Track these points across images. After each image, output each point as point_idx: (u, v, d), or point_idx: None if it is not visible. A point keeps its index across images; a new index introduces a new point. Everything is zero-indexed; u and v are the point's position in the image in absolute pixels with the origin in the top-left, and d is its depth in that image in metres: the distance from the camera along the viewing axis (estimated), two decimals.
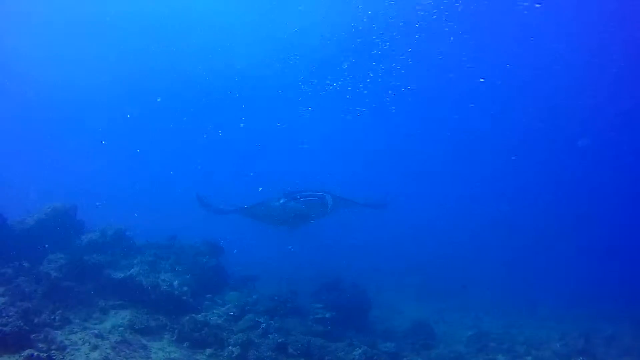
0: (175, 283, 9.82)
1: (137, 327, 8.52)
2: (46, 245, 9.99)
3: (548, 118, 31.60)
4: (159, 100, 35.76)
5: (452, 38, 23.14)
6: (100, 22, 31.03)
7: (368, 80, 23.48)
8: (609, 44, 24.17)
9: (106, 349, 7.30)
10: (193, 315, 9.06)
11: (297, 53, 29.20)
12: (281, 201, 11.63)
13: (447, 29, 22.25)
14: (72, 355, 6.79)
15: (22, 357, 5.95)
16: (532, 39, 25.41)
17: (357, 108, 28.15)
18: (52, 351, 6.57)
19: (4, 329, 6.37)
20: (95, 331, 7.90)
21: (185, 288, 9.83)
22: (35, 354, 6.03)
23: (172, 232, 12.38)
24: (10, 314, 6.94)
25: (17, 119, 36.00)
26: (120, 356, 7.24)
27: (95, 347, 7.22)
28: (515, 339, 12.71)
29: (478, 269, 20.59)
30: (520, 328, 13.79)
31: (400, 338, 11.83)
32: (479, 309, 15.49)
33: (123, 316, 8.87)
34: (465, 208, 32.05)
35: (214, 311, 9.85)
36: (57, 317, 7.88)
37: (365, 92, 24.11)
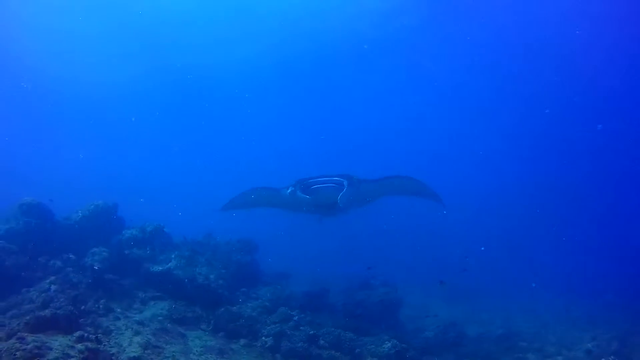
0: (212, 276, 10.20)
1: (175, 317, 8.93)
2: (90, 240, 10.52)
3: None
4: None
5: None
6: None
7: None
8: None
9: (147, 334, 7.71)
10: (228, 307, 9.39)
11: None
12: (289, 190, 10.35)
13: None
14: (117, 338, 7.23)
15: (74, 337, 6.39)
16: None
17: None
18: (99, 334, 7.01)
19: (58, 312, 6.87)
20: (137, 319, 8.35)
21: (221, 281, 10.20)
22: (86, 334, 6.48)
23: (208, 229, 12.78)
24: (62, 299, 7.45)
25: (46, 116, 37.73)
26: (160, 341, 7.64)
27: (137, 333, 7.65)
28: (547, 339, 12.57)
29: (509, 271, 20.38)
30: (552, 329, 13.62)
31: (430, 336, 11.92)
32: (510, 310, 15.38)
33: (162, 307, 9.28)
34: (496, 207, 31.66)
35: (248, 304, 10.13)
36: (101, 306, 8.35)
37: None
